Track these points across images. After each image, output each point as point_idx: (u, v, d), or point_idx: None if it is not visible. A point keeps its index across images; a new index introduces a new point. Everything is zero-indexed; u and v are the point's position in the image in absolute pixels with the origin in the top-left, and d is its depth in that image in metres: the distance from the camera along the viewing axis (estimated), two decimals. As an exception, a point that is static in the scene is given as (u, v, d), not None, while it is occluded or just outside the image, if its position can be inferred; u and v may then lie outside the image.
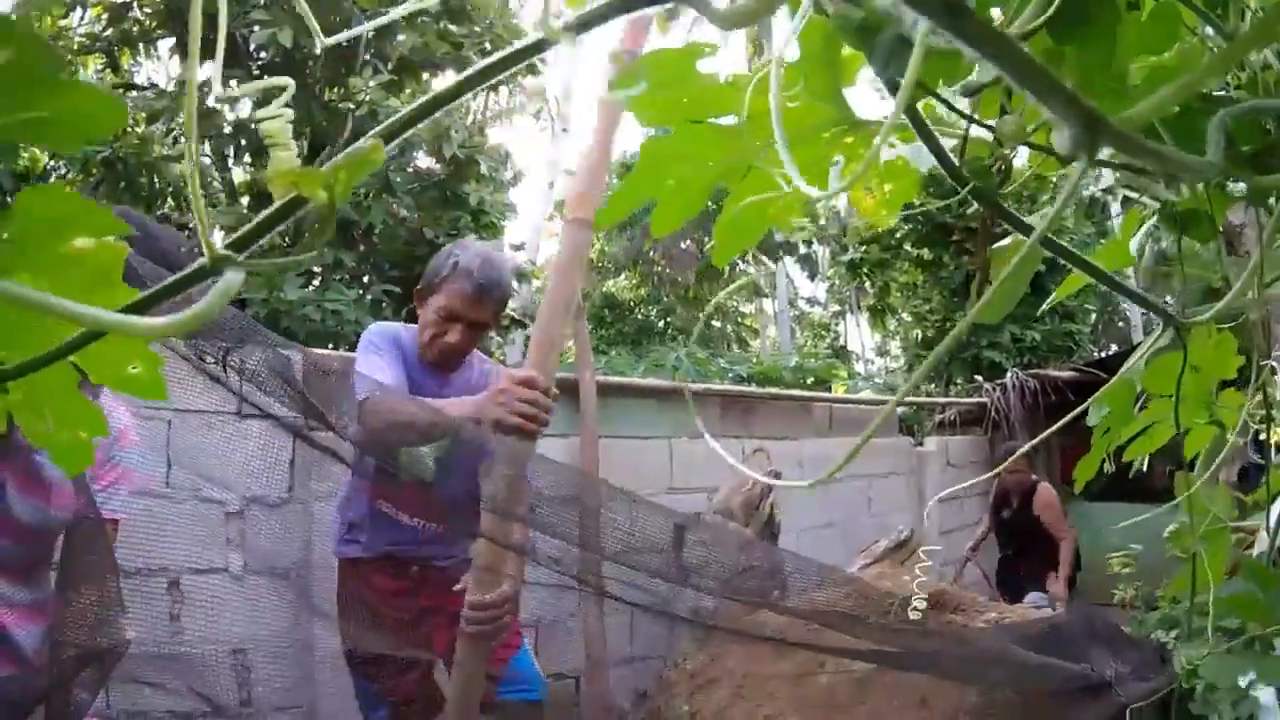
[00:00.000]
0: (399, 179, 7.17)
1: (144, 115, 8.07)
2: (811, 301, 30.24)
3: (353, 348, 4.25)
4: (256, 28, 7.48)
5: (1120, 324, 23.20)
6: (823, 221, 18.28)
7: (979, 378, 11.15)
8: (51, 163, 8.28)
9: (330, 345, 6.01)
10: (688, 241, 17.60)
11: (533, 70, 9.88)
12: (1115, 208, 16.77)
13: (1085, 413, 1.44)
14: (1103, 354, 10.79)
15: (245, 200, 8.08)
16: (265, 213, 0.52)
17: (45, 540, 1.96)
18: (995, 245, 3.99)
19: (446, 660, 2.78)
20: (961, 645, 2.61)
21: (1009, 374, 9.78)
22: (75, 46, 8.32)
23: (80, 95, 0.52)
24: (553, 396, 2.10)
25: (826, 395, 8.84)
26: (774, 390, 7.33)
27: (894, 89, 0.62)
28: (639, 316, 18.11)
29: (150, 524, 3.32)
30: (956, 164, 0.78)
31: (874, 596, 2.71)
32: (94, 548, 2.01)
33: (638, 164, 0.79)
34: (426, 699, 2.90)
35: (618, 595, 2.77)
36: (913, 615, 2.74)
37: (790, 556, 2.69)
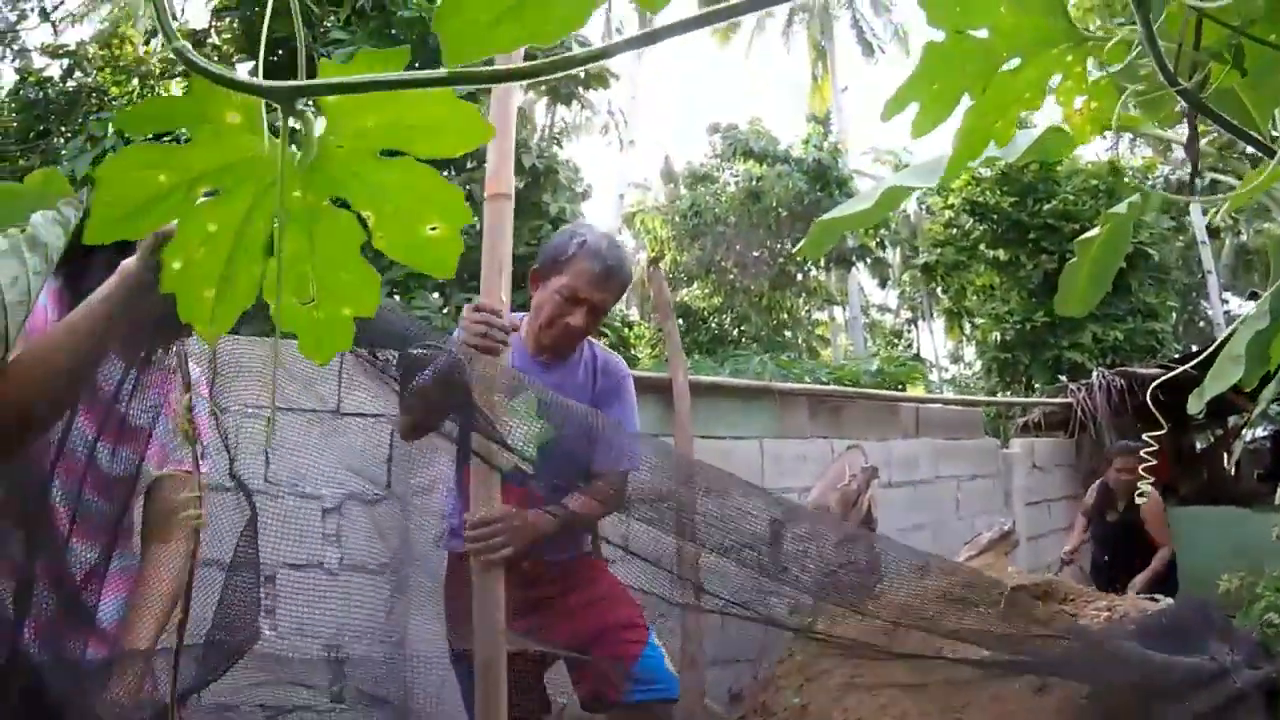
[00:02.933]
0: (477, 190, 7.26)
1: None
2: (883, 309, 30.03)
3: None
4: (335, 48, 7.65)
5: (1201, 324, 22.68)
6: (894, 226, 18.17)
7: (1062, 378, 10.98)
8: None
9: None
10: (759, 250, 17.59)
11: (602, 83, 9.97)
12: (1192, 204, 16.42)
13: (1172, 419, 1.44)
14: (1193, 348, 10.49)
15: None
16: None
17: (130, 498, 1.85)
18: (1081, 237, 3.94)
19: (556, 658, 2.76)
20: (1082, 644, 2.58)
21: (1095, 373, 9.57)
22: (157, 71, 8.57)
23: (448, 109, 0.56)
24: (512, 327, 2.22)
25: (914, 395, 8.77)
26: (862, 390, 7.29)
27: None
28: (712, 325, 18.09)
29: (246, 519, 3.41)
30: (1171, 69, 0.80)
31: (985, 586, 2.69)
32: (246, 532, 2.01)
33: (918, 64, 0.86)
34: (535, 698, 2.84)
35: (717, 593, 2.75)
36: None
37: (905, 549, 2.65)
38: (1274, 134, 1.36)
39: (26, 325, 1.42)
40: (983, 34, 0.82)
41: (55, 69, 8.52)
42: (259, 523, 2.13)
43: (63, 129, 7.93)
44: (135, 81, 8.46)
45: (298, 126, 0.62)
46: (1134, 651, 2.46)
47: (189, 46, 0.61)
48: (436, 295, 7.04)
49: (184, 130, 0.65)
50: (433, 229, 0.68)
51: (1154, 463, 2.46)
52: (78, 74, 8.45)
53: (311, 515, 3.65)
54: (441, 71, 0.56)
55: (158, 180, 0.65)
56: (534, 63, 0.61)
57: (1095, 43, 0.86)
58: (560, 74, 0.63)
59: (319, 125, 0.63)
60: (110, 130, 7.32)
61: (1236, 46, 0.87)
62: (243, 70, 9.32)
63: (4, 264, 1.37)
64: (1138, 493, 2.66)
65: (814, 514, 3.72)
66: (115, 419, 1.74)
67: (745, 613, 2.71)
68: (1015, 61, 0.84)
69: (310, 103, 0.61)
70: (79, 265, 1.69)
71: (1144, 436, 2.47)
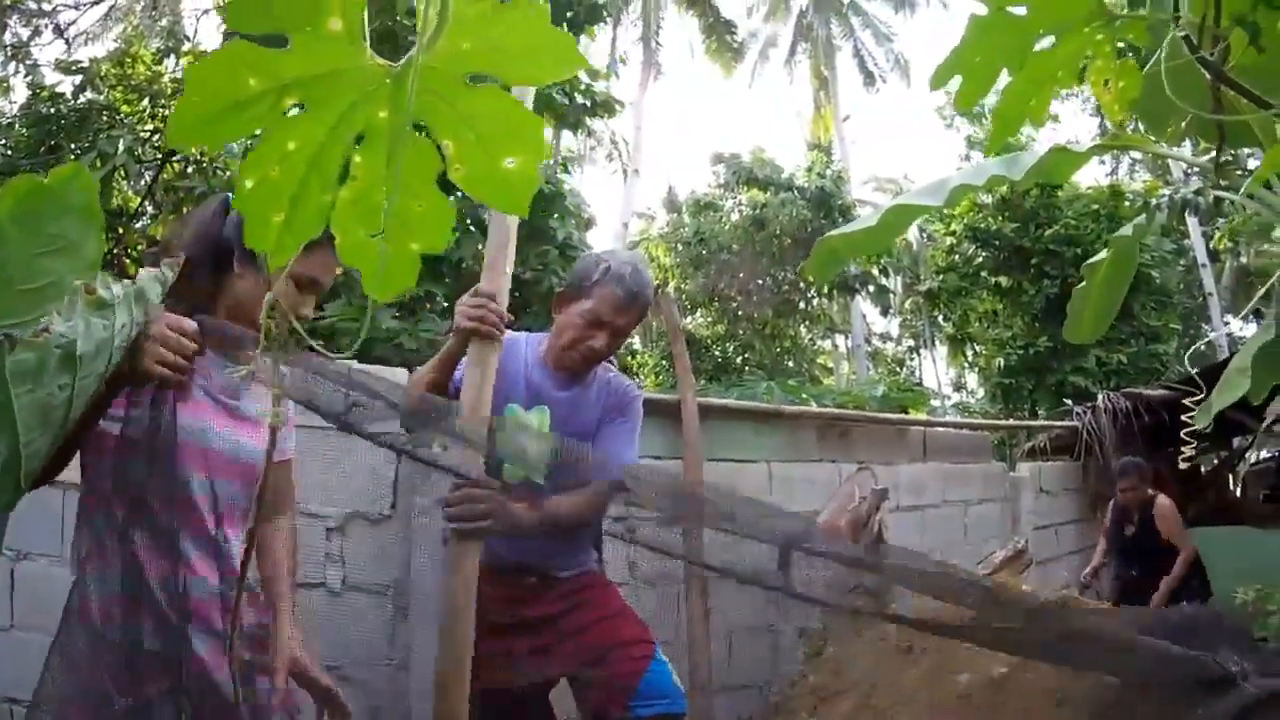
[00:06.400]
0: (487, 215, 7.34)
1: (235, 163, 8.36)
2: (885, 337, 30.06)
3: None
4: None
5: (1204, 347, 22.67)
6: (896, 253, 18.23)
7: (1066, 402, 10.97)
8: (142, 204, 8.62)
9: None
10: (763, 278, 17.64)
11: (609, 111, 10.04)
12: (1193, 223, 16.48)
13: (1178, 441, 1.45)
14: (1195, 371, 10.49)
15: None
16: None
17: (254, 483, 1.95)
18: (1088, 261, 3.94)
19: (562, 676, 2.75)
20: (1097, 631, 2.57)
21: (1100, 396, 9.56)
22: (169, 91, 8.63)
23: (545, 35, 0.56)
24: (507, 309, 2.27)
25: (922, 419, 8.74)
26: (871, 413, 7.28)
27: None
28: (716, 354, 18.11)
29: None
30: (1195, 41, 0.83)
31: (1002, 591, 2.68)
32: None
33: (963, 38, 0.89)
34: (542, 716, 2.87)
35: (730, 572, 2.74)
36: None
37: (912, 555, 2.65)
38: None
39: None
40: (1021, 11, 0.86)
41: (67, 85, 8.59)
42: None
43: (73, 145, 7.99)
44: (146, 101, 8.54)
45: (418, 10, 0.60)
46: (1143, 641, 2.45)
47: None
48: (443, 320, 7.07)
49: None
50: (510, 162, 0.67)
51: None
52: (89, 91, 8.52)
53: (315, 534, 3.64)
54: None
55: (248, 83, 0.64)
56: None
57: (1124, 21, 0.90)
58: None
59: (440, 40, 0.62)
60: (120, 148, 7.38)
61: (1254, 25, 0.91)
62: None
63: (120, 311, 1.50)
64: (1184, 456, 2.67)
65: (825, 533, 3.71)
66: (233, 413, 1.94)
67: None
68: (1049, 40, 0.88)
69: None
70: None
71: (1182, 447, 2.49)
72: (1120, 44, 1.00)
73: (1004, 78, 0.95)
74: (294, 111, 0.68)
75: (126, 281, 1.58)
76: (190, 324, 1.64)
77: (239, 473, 1.93)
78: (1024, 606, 2.24)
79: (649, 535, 2.44)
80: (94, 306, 1.52)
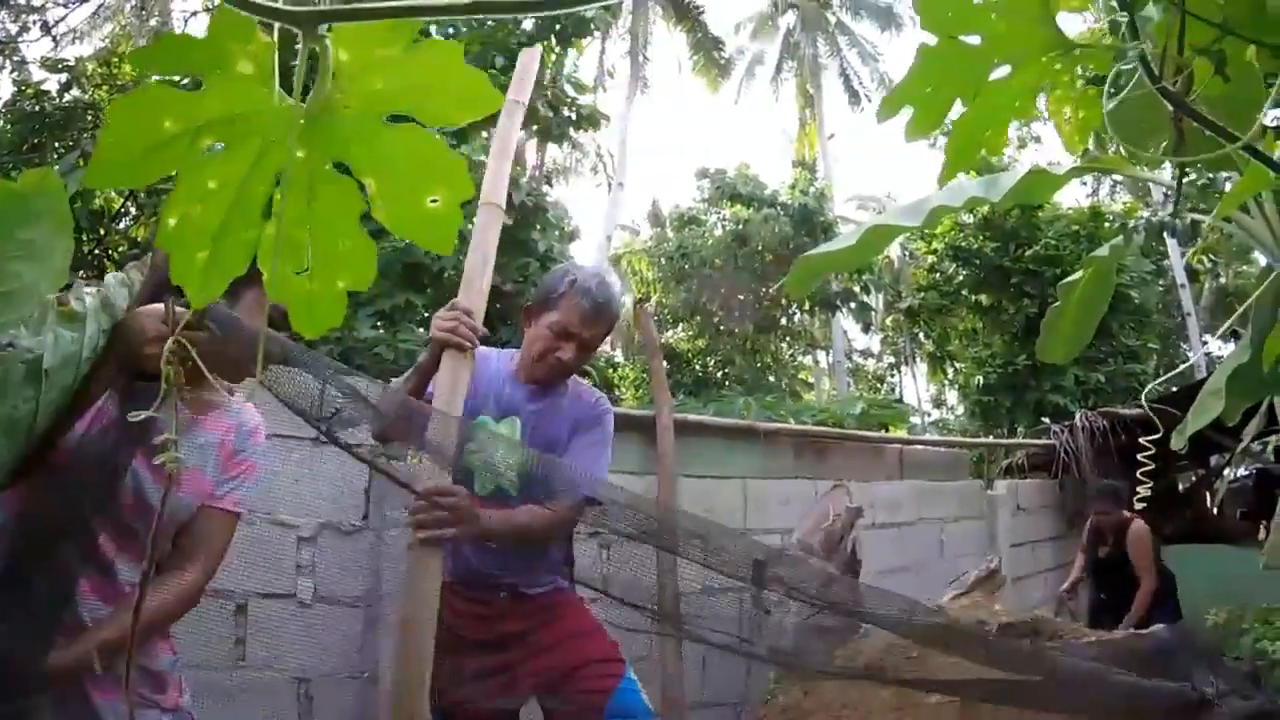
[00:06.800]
0: (467, 227, 7.30)
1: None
2: (866, 353, 30.16)
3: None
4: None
5: (1181, 365, 22.82)
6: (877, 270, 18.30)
7: (1044, 421, 11.02)
8: (124, 205, 8.57)
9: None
10: (745, 293, 17.66)
11: (593, 125, 10.04)
12: (1172, 244, 16.61)
13: (1155, 460, 1.46)
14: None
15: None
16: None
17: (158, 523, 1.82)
18: (1064, 281, 3.96)
19: (532, 694, 2.73)
20: (1065, 670, 2.57)
21: (1077, 414, 9.62)
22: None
23: (459, 75, 0.56)
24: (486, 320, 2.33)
25: (899, 437, 8.76)
26: (847, 431, 7.29)
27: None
28: (697, 368, 18.12)
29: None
30: (1156, 73, 0.82)
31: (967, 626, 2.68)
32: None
33: (912, 68, 0.88)
34: None
35: (699, 635, 2.73)
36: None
37: (878, 592, 2.66)
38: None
39: None
40: (975, 40, 0.84)
41: (53, 83, 8.53)
42: (234, 550, 2.14)
43: (56, 144, 7.94)
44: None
45: (315, 48, 0.61)
46: (1113, 674, 2.45)
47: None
48: (423, 330, 7.04)
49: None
50: (434, 201, 0.68)
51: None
52: (75, 90, 8.46)
53: (287, 544, 3.61)
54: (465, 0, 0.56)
55: (164, 125, 0.65)
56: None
57: (1084, 51, 0.88)
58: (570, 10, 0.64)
59: (328, 86, 0.63)
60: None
61: (1219, 53, 0.90)
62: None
63: (91, 321, 1.51)
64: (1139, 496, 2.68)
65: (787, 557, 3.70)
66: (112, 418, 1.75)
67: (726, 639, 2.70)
68: (1006, 69, 0.87)
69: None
70: None
71: (1139, 474, 2.49)
72: (1083, 73, 0.98)
73: (958, 107, 0.93)
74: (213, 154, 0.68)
75: (96, 289, 1.58)
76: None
77: (144, 512, 1.79)
78: (992, 650, 2.24)
79: (621, 550, 2.44)
80: (66, 319, 1.51)
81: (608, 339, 3.11)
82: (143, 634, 1.69)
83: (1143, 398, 2.36)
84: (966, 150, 0.96)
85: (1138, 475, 2.58)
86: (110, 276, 1.64)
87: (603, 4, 0.71)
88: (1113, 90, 1.01)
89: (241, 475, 2.04)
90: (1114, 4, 0.79)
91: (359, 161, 0.67)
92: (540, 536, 2.63)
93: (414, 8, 0.60)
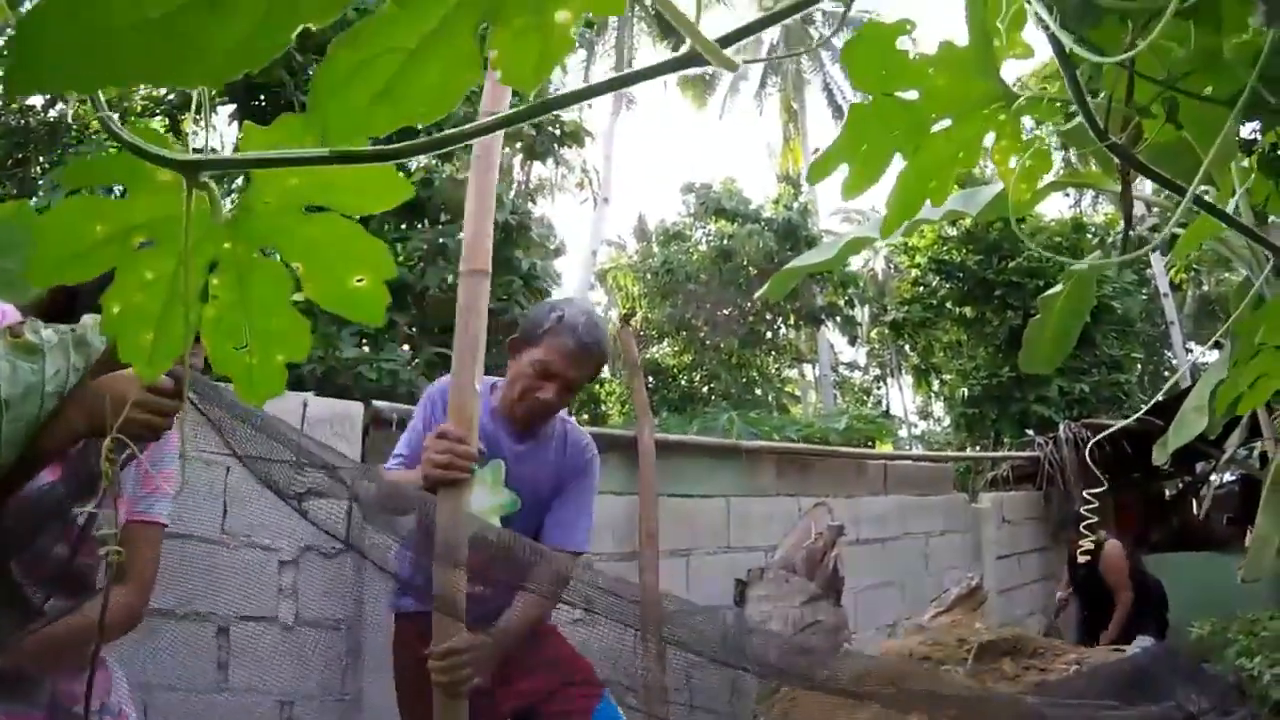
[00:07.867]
0: (451, 244, 7.31)
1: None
2: (852, 366, 30.22)
3: (409, 402, 4.31)
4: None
5: (1166, 374, 22.97)
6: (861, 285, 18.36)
7: (1029, 432, 11.05)
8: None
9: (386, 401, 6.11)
10: (730, 308, 17.70)
11: (577, 141, 10.06)
12: (1154, 254, 16.70)
13: (1141, 468, 1.46)
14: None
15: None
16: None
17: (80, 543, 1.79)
18: (1045, 294, 3.98)
19: (512, 717, 2.72)
20: (1048, 701, 2.58)
21: (1061, 426, 9.66)
22: (138, 109, 8.55)
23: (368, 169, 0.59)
24: (477, 452, 2.18)
25: (882, 453, 8.78)
26: (830, 448, 7.30)
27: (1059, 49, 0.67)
28: (682, 383, 18.13)
29: (202, 570, 3.35)
30: (1101, 124, 0.83)
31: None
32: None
33: (845, 127, 0.88)
34: None
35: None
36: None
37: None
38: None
39: None
40: (912, 95, 0.84)
41: (38, 98, 8.51)
42: (216, 574, 2.12)
43: (41, 160, 7.91)
44: (117, 117, 8.47)
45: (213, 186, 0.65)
46: (1101, 708, 2.46)
47: (113, 117, 0.64)
48: (406, 348, 7.04)
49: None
50: (359, 280, 0.71)
51: (1095, 520, 2.48)
52: (60, 105, 8.43)
53: (268, 568, 3.59)
54: (323, 151, 0.59)
55: (95, 230, 0.69)
56: (421, 140, 0.64)
57: (1028, 101, 0.88)
58: (449, 148, 0.66)
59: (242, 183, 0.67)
60: (87, 165, 7.30)
61: (1171, 100, 0.90)
62: (224, 113, 9.32)
63: (52, 358, 1.48)
64: (1083, 549, 2.70)
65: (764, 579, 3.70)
66: (79, 472, 1.73)
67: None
68: (947, 122, 0.87)
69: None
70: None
71: (1085, 494, 2.50)
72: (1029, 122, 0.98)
73: (898, 160, 0.93)
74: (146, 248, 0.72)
75: (62, 327, 1.54)
76: (168, 382, 1.57)
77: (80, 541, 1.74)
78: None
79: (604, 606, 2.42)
80: (22, 350, 1.50)
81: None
82: (64, 657, 1.71)
83: (1133, 419, 2.38)
84: (910, 204, 0.95)
85: (1137, 479, 2.60)
86: (87, 318, 1.60)
87: (459, 146, 0.74)
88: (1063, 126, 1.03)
89: (160, 487, 1.98)
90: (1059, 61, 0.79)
91: (284, 249, 0.71)
92: (540, 619, 2.60)
93: (281, 159, 0.64)
